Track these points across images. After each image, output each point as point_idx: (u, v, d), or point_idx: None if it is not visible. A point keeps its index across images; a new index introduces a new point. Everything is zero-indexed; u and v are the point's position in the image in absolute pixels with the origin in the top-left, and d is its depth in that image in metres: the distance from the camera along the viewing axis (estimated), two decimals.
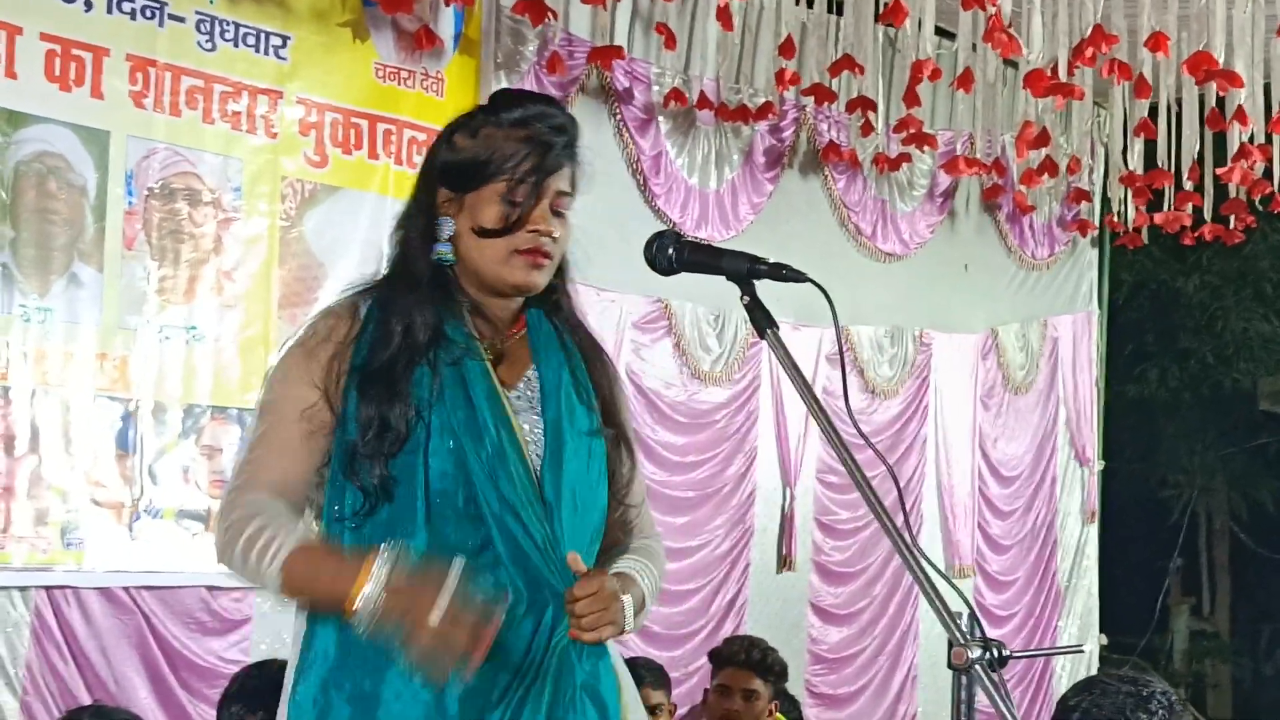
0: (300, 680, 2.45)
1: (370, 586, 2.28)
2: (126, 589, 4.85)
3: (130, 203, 4.89)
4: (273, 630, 4.95)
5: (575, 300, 2.68)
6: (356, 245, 5.42)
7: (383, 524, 2.44)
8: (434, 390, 2.49)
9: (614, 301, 6.26)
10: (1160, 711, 2.82)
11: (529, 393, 2.59)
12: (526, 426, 2.55)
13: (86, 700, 4.49)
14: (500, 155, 2.51)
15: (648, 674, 5.54)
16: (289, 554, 2.36)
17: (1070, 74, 6.17)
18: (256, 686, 3.75)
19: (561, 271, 2.62)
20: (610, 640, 2.54)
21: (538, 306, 2.63)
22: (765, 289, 2.44)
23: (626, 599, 2.51)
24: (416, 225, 2.56)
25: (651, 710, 5.39)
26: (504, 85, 5.90)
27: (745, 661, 5.34)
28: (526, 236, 2.50)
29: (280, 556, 2.36)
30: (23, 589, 4.63)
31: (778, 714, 5.41)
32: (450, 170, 2.55)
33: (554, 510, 2.51)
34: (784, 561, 6.95)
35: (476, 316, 2.58)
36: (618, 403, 2.69)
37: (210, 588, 5.02)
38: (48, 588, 4.69)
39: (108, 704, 4.33)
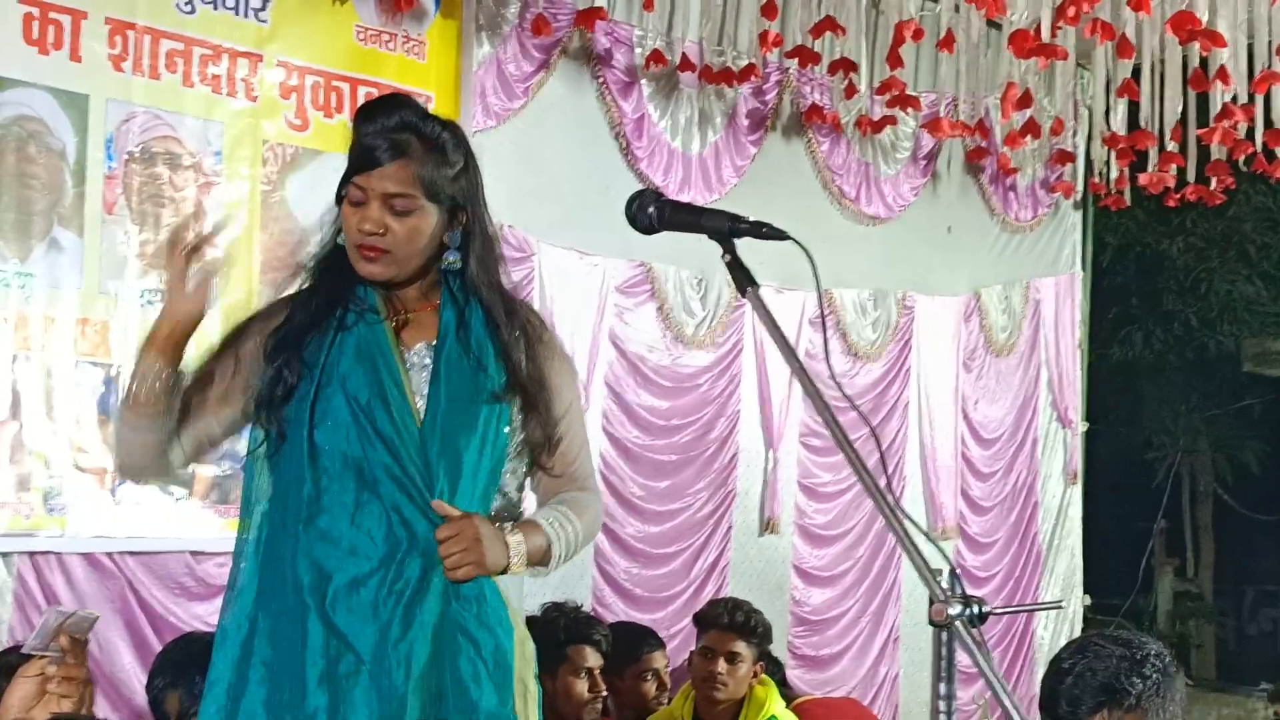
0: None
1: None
2: (110, 554, 4.85)
3: (110, 167, 4.87)
4: None
5: (499, 274, 2.97)
6: None
7: (282, 462, 2.81)
8: (332, 347, 2.84)
9: (597, 265, 6.26)
10: (1154, 674, 2.81)
11: (424, 358, 2.88)
12: (417, 386, 2.85)
13: None
14: (349, 161, 2.87)
15: (654, 639, 5.64)
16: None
17: (1053, 35, 6.16)
18: (179, 660, 3.75)
19: (468, 246, 2.91)
20: (509, 590, 2.86)
21: (456, 279, 2.93)
22: (748, 253, 2.44)
23: (513, 540, 2.80)
24: (332, 213, 2.94)
25: (655, 673, 5.50)
26: (486, 48, 5.89)
27: (729, 624, 5.37)
28: (357, 235, 2.84)
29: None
30: (5, 555, 4.63)
31: (763, 675, 5.44)
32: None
33: (433, 465, 2.79)
34: (767, 524, 6.97)
35: (385, 287, 2.91)
36: (539, 368, 2.94)
37: (194, 553, 5.03)
38: (31, 553, 4.68)
39: None
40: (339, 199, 2.87)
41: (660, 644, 5.70)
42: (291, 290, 2.98)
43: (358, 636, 2.71)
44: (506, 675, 2.81)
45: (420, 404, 2.83)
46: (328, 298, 2.89)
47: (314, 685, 2.69)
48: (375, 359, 2.83)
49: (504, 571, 2.80)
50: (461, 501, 2.79)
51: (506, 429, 2.88)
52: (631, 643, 5.49)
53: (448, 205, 2.88)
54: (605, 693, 5.06)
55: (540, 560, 2.88)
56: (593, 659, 5.05)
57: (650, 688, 5.56)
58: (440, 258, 2.90)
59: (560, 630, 5.06)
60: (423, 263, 2.89)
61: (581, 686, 5.02)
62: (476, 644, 2.78)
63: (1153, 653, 2.86)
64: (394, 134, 2.84)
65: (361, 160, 2.84)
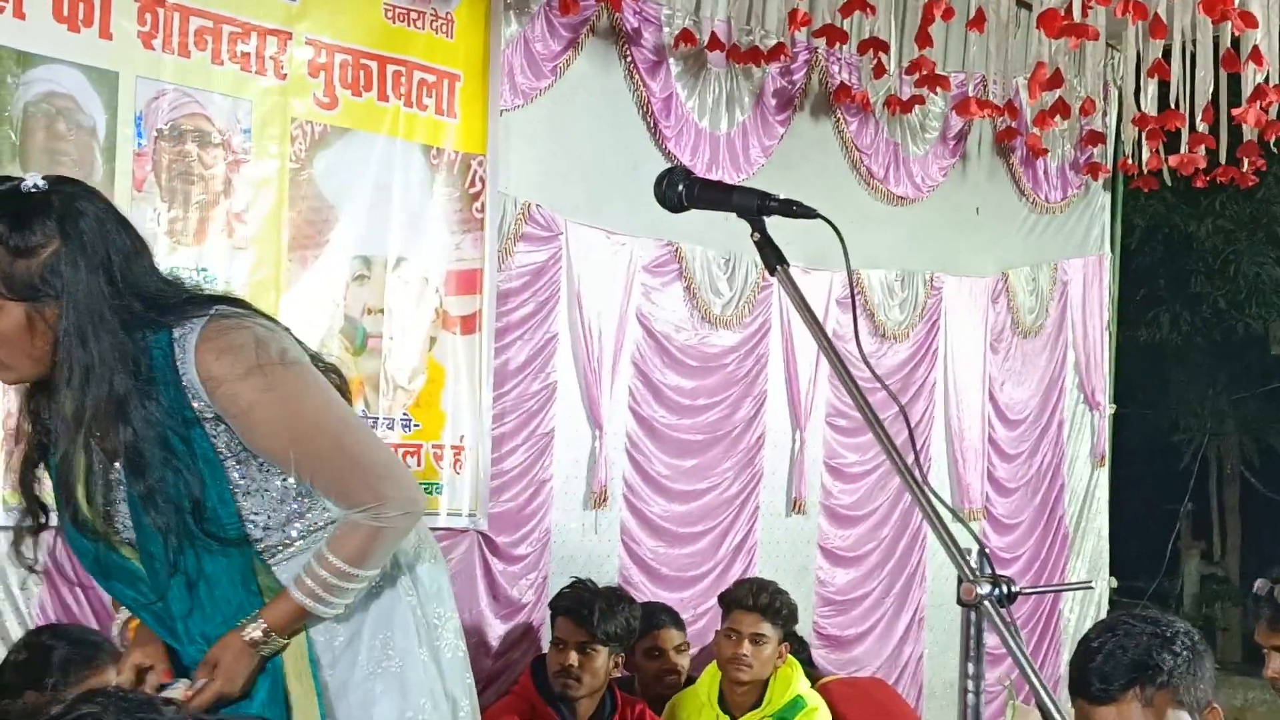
0: None
1: None
2: None
3: (139, 144, 4.88)
4: None
5: (107, 359, 2.66)
6: (366, 187, 5.41)
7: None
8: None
9: (624, 245, 6.25)
10: (1184, 652, 2.81)
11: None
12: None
13: None
14: None
15: (666, 616, 5.66)
16: None
17: (1084, 14, 6.12)
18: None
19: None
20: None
21: None
22: (776, 233, 2.43)
23: (252, 660, 2.76)
24: None
25: (676, 649, 5.52)
26: (514, 27, 5.88)
27: (754, 605, 5.38)
28: None
29: None
30: None
31: (788, 655, 5.44)
32: None
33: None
34: (794, 504, 6.96)
35: None
36: (242, 420, 2.71)
37: None
38: (58, 528, 4.69)
39: (66, 624, 4.37)
40: None
41: (665, 622, 5.71)
42: None
43: None
44: None
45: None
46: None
47: None
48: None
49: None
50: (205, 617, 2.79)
51: (212, 545, 2.76)
52: (644, 616, 5.55)
53: (29, 296, 2.62)
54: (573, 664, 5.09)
55: (301, 619, 2.76)
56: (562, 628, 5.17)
57: (653, 665, 5.60)
58: None
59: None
60: (43, 362, 2.68)
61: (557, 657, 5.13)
62: None
63: (1182, 630, 2.87)
64: None
65: None
